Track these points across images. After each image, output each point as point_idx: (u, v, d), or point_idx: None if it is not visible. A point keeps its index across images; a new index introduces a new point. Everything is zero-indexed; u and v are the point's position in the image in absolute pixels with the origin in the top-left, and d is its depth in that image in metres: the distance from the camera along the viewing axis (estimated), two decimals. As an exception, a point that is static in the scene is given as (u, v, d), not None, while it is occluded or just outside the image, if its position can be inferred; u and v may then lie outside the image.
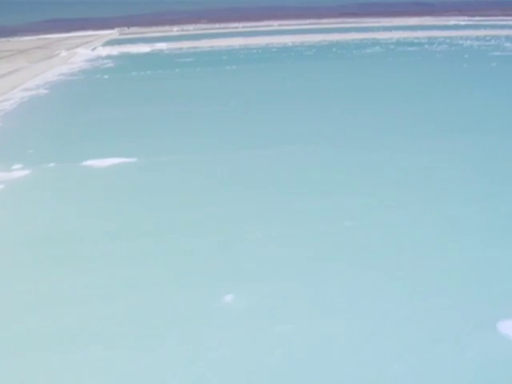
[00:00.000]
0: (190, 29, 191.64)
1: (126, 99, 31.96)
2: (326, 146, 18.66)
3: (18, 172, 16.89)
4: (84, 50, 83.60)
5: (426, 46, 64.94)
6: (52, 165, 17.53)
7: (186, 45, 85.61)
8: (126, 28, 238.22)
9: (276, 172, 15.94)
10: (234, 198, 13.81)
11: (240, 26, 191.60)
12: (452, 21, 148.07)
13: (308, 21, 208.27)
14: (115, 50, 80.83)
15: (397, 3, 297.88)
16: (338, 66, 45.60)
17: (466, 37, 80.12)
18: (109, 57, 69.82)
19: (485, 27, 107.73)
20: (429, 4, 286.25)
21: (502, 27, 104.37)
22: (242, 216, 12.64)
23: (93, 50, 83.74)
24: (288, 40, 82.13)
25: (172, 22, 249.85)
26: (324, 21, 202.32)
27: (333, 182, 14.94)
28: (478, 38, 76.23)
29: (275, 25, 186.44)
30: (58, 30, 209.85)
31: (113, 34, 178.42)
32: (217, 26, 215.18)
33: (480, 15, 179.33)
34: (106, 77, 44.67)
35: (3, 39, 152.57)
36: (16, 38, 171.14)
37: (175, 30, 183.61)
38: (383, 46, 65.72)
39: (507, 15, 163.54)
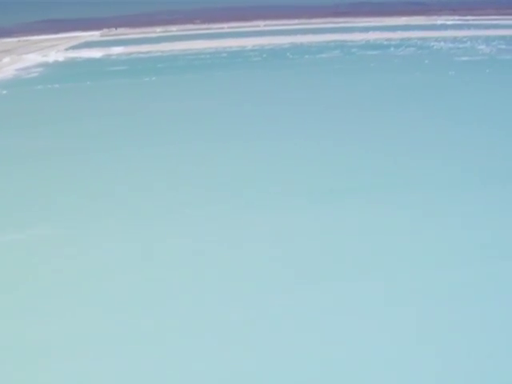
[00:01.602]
0: (173, 30, 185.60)
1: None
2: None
3: None
4: (34, 56, 77.93)
5: (392, 49, 59.16)
6: None
7: (143, 49, 79.85)
8: (113, 29, 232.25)
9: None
10: None
11: (226, 27, 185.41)
12: (440, 20, 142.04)
13: (297, 21, 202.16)
14: (66, 56, 75.36)
15: (392, 2, 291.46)
16: (270, 77, 39.89)
17: (442, 38, 74.28)
18: (51, 64, 64.27)
19: (469, 27, 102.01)
20: (423, 3, 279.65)
21: (488, 27, 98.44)
22: None
23: (43, 56, 78.04)
24: (250, 43, 76.33)
25: (166, 22, 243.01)
26: (313, 21, 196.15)
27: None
28: (454, 40, 70.45)
29: (262, 25, 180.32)
30: (47, 31, 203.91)
31: (93, 35, 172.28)
32: (205, 26, 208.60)
33: (472, 14, 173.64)
34: (4, 92, 39.05)
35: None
36: (2, 40, 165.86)
37: (158, 31, 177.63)
38: (344, 50, 59.83)
39: (501, 14, 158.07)
